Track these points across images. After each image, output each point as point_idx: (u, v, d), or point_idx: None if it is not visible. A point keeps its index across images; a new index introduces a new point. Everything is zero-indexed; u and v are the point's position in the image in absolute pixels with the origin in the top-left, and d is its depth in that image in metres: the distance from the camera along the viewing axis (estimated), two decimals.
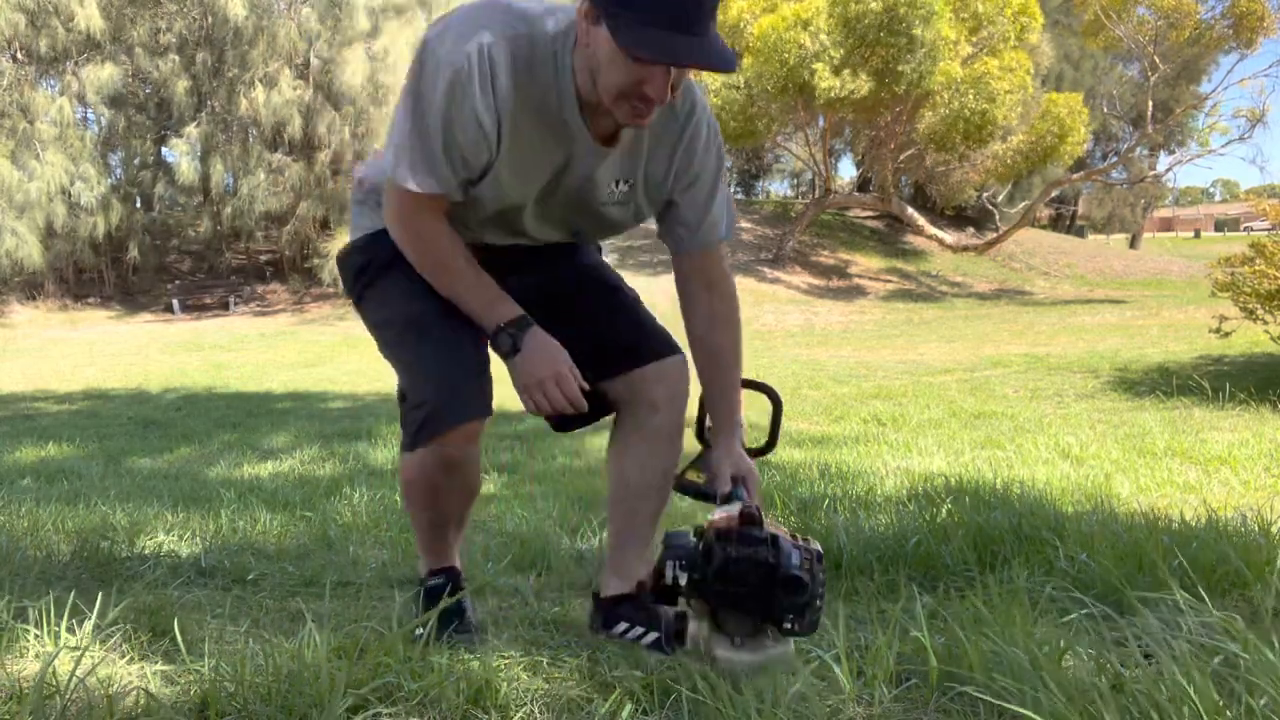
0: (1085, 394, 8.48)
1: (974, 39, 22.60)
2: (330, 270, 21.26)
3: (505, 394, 1.66)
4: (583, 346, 1.61)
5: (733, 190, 46.09)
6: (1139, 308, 19.28)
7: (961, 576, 2.09)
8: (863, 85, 21.30)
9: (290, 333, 19.53)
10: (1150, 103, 24.94)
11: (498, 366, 1.64)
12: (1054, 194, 29.92)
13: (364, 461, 5.13)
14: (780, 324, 19.43)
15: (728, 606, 1.34)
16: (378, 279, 1.65)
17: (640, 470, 1.74)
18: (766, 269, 25.02)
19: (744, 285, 22.93)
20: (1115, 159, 32.45)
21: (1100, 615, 1.63)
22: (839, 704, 1.31)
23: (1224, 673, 1.28)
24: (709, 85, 23.16)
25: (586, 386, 1.57)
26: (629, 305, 1.79)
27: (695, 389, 1.78)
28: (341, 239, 21.48)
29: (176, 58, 22.57)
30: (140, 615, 1.72)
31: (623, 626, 1.70)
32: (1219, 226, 67.82)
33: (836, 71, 21.05)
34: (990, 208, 32.69)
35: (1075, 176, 29.36)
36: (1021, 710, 1.17)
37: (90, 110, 23.41)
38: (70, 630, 1.53)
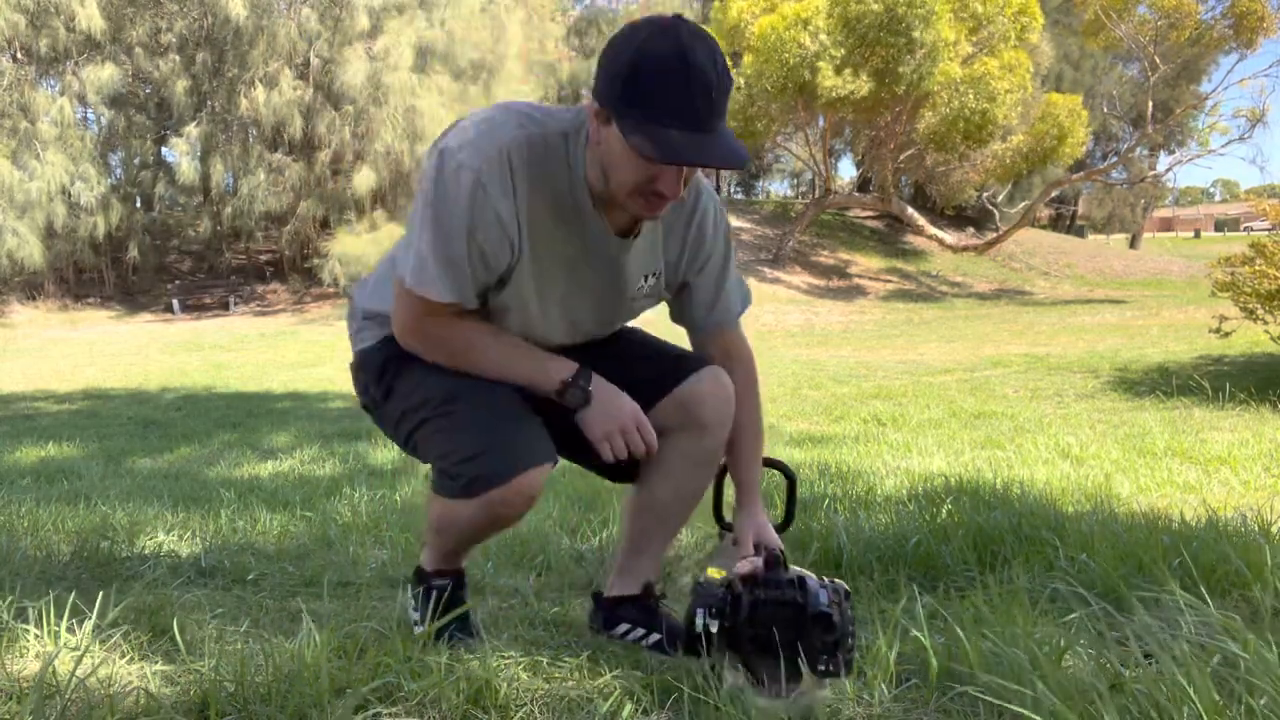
0: (1085, 394, 8.48)
1: (974, 39, 22.60)
2: (330, 270, 21.27)
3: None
4: (623, 385, 1.59)
5: (733, 190, 46.19)
6: (1139, 308, 19.29)
7: (961, 576, 2.09)
8: (863, 85, 21.31)
9: (290, 333, 19.53)
10: (1150, 103, 24.94)
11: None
12: (1054, 194, 29.92)
13: (364, 461, 5.13)
14: (780, 324, 19.43)
15: (760, 652, 1.33)
16: (405, 369, 1.59)
17: (675, 491, 1.72)
18: (766, 269, 25.02)
19: None
20: (1115, 159, 32.46)
21: (1100, 615, 1.63)
22: (839, 704, 1.31)
23: (1224, 673, 1.28)
24: None
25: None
26: (644, 337, 1.79)
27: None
28: (341, 238, 21.53)
29: (176, 58, 22.56)
30: (140, 615, 1.72)
31: (624, 627, 1.70)
32: (1219, 226, 67.83)
33: (838, 71, 21.07)
34: (990, 208, 32.69)
35: (1075, 176, 29.37)
36: (1021, 710, 1.17)
37: (90, 110, 23.41)
38: (70, 630, 1.53)
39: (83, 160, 21.48)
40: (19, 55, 21.52)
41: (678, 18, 1.33)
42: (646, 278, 1.60)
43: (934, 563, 2.23)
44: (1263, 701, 1.16)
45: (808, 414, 7.45)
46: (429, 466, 1.62)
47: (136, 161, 24.60)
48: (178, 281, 25.02)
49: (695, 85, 1.28)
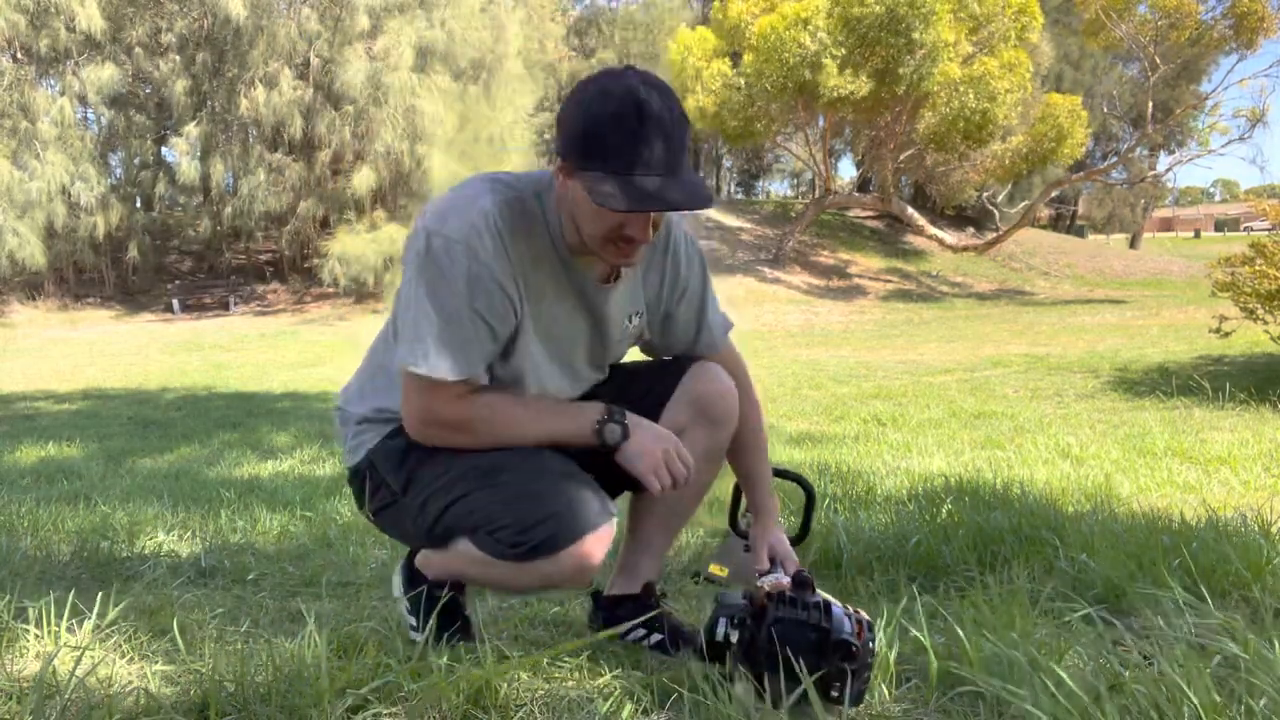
0: (1085, 394, 8.48)
1: (974, 39, 22.60)
2: (330, 270, 21.28)
3: None
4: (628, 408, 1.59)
5: (733, 190, 46.18)
6: (1139, 308, 19.29)
7: (961, 576, 2.09)
8: (863, 85, 21.32)
9: (290, 333, 19.54)
10: (1150, 103, 24.94)
11: None
12: (1054, 194, 29.92)
13: None
14: (780, 324, 19.43)
15: (775, 670, 1.32)
16: (429, 454, 1.54)
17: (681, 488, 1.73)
18: (766, 269, 25.02)
19: (744, 285, 22.96)
20: (1115, 159, 32.44)
21: (1100, 616, 1.63)
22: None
23: (1224, 673, 1.28)
24: (708, 84, 23.18)
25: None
26: (626, 365, 1.78)
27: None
28: (341, 238, 21.52)
29: (177, 58, 22.56)
30: (140, 615, 1.72)
31: (625, 626, 1.70)
32: (1219, 226, 67.83)
33: (839, 71, 21.07)
34: (990, 208, 32.70)
35: (1075, 176, 29.37)
36: (1021, 710, 1.17)
37: (90, 110, 23.42)
38: (70, 630, 1.53)
39: (83, 160, 21.49)
40: (19, 55, 21.52)
41: (629, 68, 1.35)
42: (630, 318, 1.63)
43: (934, 563, 2.23)
44: (1263, 701, 1.16)
45: (808, 414, 7.45)
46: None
47: (136, 161, 24.61)
48: (178, 281, 25.02)
49: (652, 132, 1.30)
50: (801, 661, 1.29)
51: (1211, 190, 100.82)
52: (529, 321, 1.50)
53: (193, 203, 25.89)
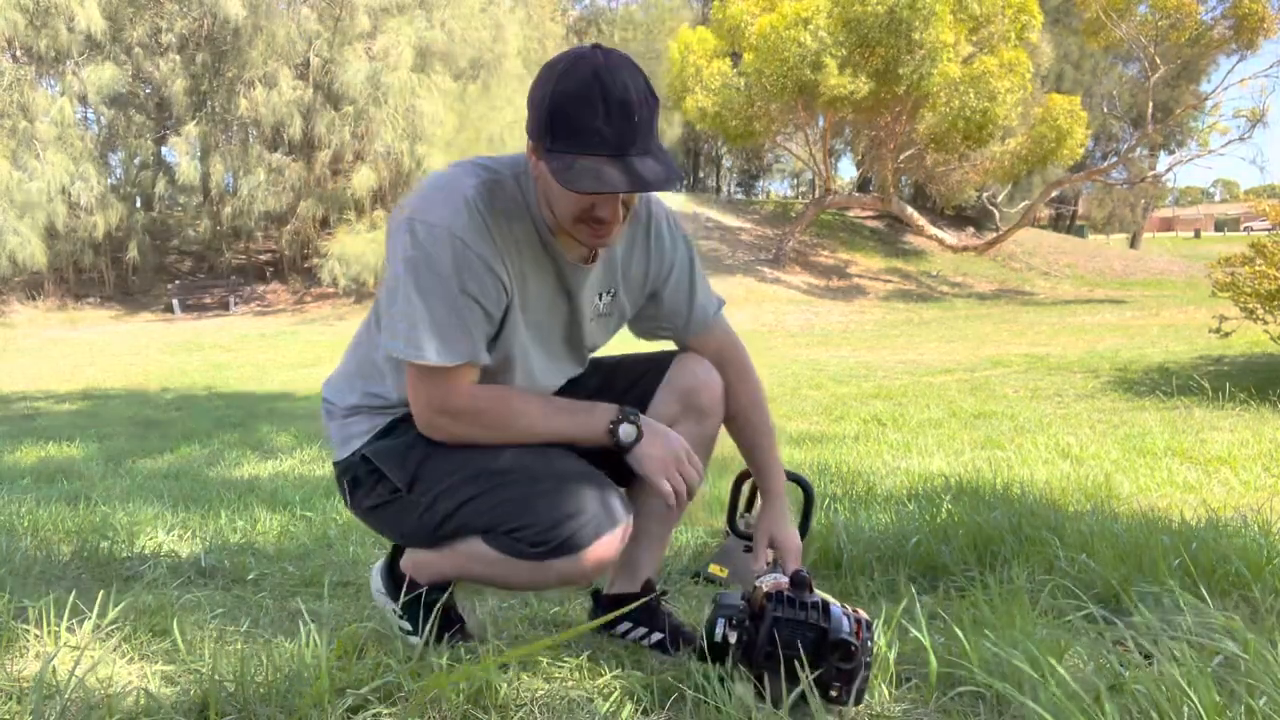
0: (1085, 394, 8.48)
1: (974, 38, 22.60)
2: (330, 270, 21.28)
3: None
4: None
5: (733, 190, 46.19)
6: (1139, 308, 19.30)
7: (961, 576, 2.09)
8: (863, 85, 21.32)
9: (290, 333, 19.54)
10: (1150, 103, 24.94)
11: None
12: (1054, 194, 29.94)
13: None
14: (780, 324, 19.43)
15: (774, 670, 1.32)
16: (435, 449, 1.51)
17: None
18: (766, 269, 25.02)
19: (744, 285, 22.95)
20: (1115, 159, 32.44)
21: (1100, 615, 1.63)
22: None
23: (1224, 673, 1.28)
24: (708, 84, 23.18)
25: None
26: (610, 358, 1.78)
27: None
28: (341, 238, 21.53)
29: (176, 58, 22.57)
30: (140, 615, 1.72)
31: (625, 626, 1.70)
32: (1219, 226, 67.83)
33: (839, 70, 21.07)
34: (990, 208, 32.70)
35: (1075, 176, 29.38)
36: (1022, 710, 1.17)
37: (90, 110, 23.43)
38: (70, 630, 1.53)
39: (83, 160, 21.50)
40: (19, 55, 21.52)
41: (596, 46, 1.33)
42: (601, 295, 1.60)
43: (934, 563, 2.23)
44: (1263, 701, 1.16)
45: (808, 414, 7.45)
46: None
47: (136, 161, 24.62)
48: (177, 281, 25.02)
49: (615, 111, 1.28)
50: (799, 662, 1.29)
51: (1211, 190, 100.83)
52: (516, 301, 1.49)
53: (192, 203, 25.91)
